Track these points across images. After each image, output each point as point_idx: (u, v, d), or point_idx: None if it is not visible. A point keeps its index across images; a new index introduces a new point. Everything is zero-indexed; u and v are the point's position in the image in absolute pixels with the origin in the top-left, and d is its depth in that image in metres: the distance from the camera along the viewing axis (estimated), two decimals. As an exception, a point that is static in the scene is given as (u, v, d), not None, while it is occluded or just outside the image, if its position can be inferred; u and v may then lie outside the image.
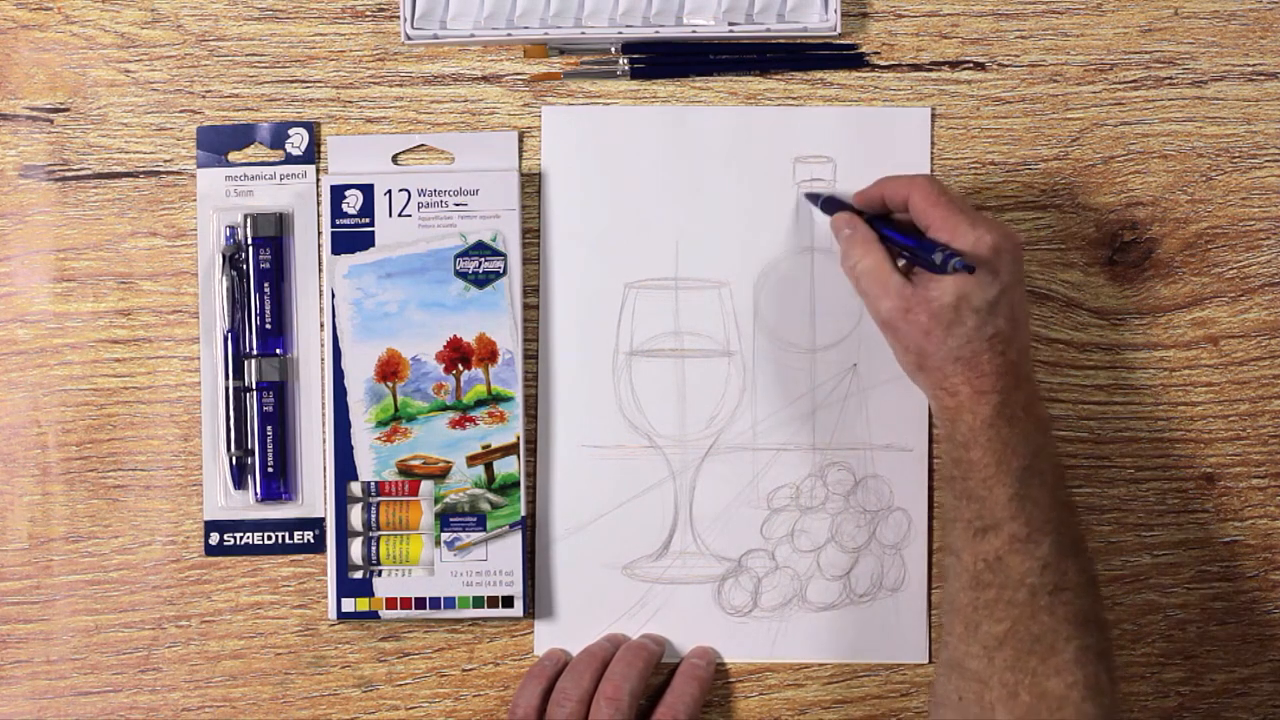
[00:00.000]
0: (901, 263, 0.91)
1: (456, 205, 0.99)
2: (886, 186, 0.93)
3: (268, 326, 0.99)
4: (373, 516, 0.99)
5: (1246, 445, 1.00)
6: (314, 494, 1.00)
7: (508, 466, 0.99)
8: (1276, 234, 1.00)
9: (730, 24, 0.99)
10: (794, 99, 1.00)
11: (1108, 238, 1.00)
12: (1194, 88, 1.00)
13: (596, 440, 1.00)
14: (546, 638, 1.00)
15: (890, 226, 0.92)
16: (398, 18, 1.00)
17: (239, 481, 1.00)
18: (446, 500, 0.99)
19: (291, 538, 1.00)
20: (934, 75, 1.00)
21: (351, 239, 0.99)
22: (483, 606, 0.99)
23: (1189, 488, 1.00)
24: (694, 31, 0.99)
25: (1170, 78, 1.00)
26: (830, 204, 0.97)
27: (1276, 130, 1.00)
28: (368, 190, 0.99)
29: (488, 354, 0.99)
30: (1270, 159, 1.00)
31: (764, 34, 0.99)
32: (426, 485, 0.99)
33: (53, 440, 1.00)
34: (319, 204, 1.00)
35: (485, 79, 1.00)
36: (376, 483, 0.99)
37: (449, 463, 0.99)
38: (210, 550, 1.00)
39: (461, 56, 1.00)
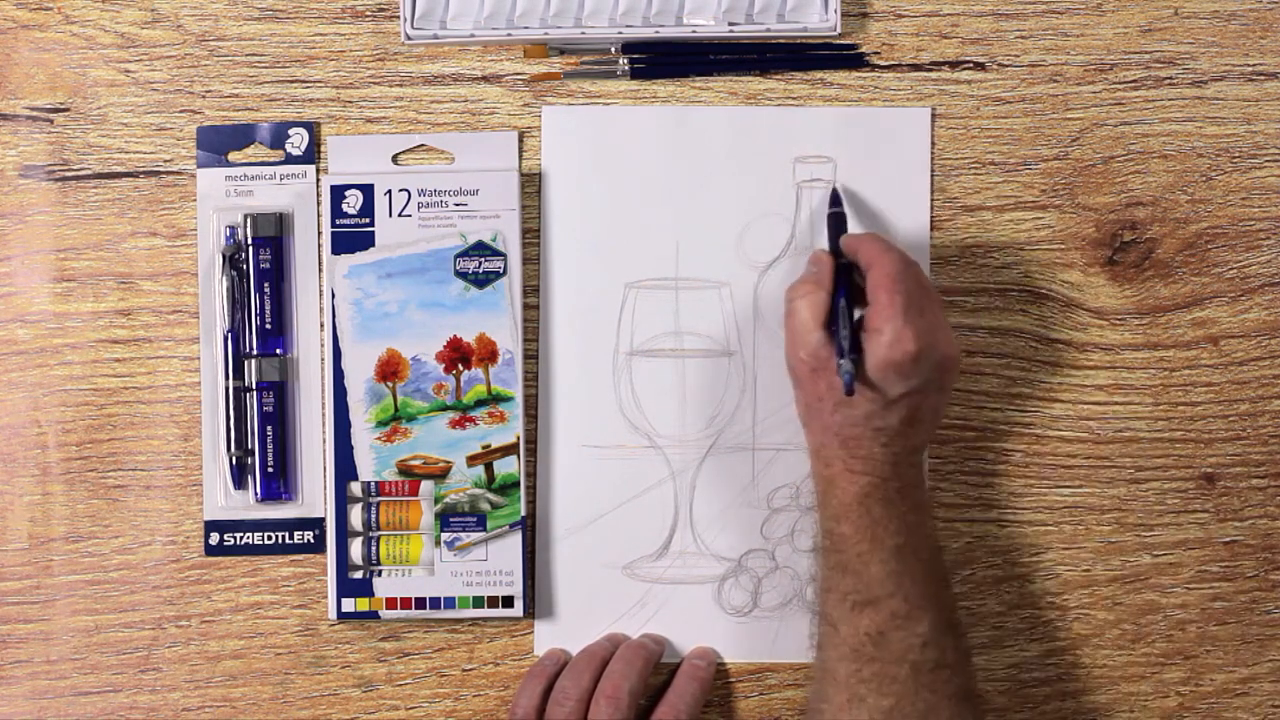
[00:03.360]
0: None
1: (456, 205, 0.99)
2: (863, 245, 0.91)
3: (268, 326, 0.99)
4: (373, 516, 0.99)
5: (1246, 445, 1.00)
6: (314, 494, 1.00)
7: (508, 466, 0.99)
8: (1276, 234, 1.00)
9: (730, 24, 0.99)
10: (794, 99, 1.00)
11: (1108, 238, 1.00)
12: (1194, 88, 1.00)
13: (596, 440, 1.00)
14: (546, 638, 1.00)
15: (850, 290, 0.90)
16: (398, 18, 1.00)
17: (239, 481, 0.99)
18: (446, 500, 0.99)
19: (291, 538, 1.00)
20: (934, 75, 1.00)
21: (351, 239, 0.99)
22: (483, 606, 0.99)
23: (1189, 488, 1.00)
24: (694, 31, 0.99)
25: (1170, 78, 1.00)
26: (835, 222, 0.96)
27: (1276, 130, 1.00)
28: (368, 190, 0.99)
29: (488, 354, 0.99)
30: (1270, 159, 1.00)
31: (764, 34, 0.99)
32: (426, 485, 0.99)
33: (53, 440, 1.00)
34: (319, 204, 1.00)
35: (485, 79, 1.00)
36: (376, 483, 0.99)
37: (449, 463, 0.99)
38: (210, 550, 1.00)
39: (461, 56, 1.00)
